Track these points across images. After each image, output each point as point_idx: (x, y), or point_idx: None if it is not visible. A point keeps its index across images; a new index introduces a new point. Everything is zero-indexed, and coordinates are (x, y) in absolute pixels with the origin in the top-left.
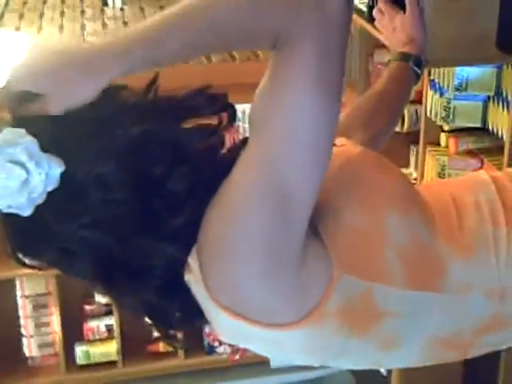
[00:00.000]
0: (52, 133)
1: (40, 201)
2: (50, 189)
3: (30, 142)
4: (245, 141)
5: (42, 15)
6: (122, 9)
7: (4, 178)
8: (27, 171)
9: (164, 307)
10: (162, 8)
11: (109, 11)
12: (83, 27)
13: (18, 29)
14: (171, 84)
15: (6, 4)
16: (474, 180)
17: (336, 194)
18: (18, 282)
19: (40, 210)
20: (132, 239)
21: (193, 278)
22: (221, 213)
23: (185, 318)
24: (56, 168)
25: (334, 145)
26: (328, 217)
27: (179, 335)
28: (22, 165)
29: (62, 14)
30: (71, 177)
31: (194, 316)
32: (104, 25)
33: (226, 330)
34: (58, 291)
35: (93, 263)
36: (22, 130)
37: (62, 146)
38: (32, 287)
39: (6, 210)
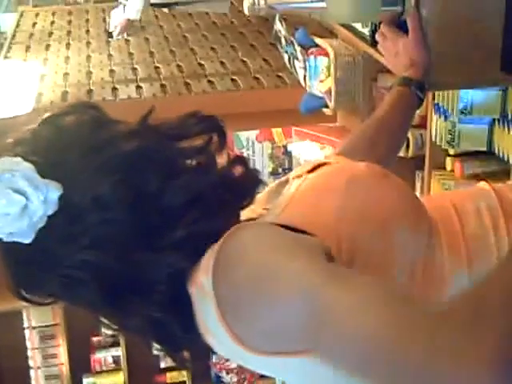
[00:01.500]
0: (48, 158)
1: (40, 225)
2: (49, 212)
3: (28, 168)
4: (236, 158)
5: (48, 47)
6: (127, 40)
7: (4, 205)
8: (26, 197)
9: (169, 324)
10: (166, 38)
11: (114, 42)
12: (89, 59)
13: (24, 61)
14: (175, 111)
15: (13, 36)
16: (474, 189)
17: (348, 212)
18: (25, 314)
19: (41, 236)
20: (133, 255)
21: (199, 293)
22: (254, 279)
23: (189, 335)
24: (54, 192)
25: (329, 163)
26: (343, 241)
27: (186, 357)
28: (21, 191)
29: (68, 45)
30: (69, 200)
31: (198, 333)
32: (109, 56)
33: (227, 349)
34: (65, 322)
35: (96, 286)
36: (19, 158)
37: (59, 170)
38: (39, 318)
39: (7, 239)
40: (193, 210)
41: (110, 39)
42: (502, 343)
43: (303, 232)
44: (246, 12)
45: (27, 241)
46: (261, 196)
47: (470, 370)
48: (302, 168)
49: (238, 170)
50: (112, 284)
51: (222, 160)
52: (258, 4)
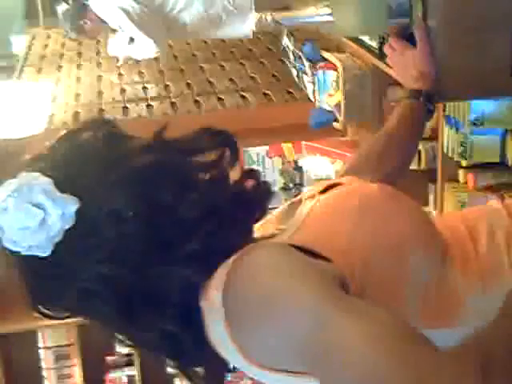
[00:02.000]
0: (65, 173)
1: (58, 239)
2: (67, 226)
3: (45, 182)
4: (249, 171)
5: (59, 68)
6: (137, 61)
7: (23, 219)
8: (45, 210)
9: (182, 338)
10: (175, 57)
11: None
12: (99, 79)
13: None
14: (185, 129)
15: (25, 59)
16: (485, 208)
17: (361, 234)
18: (40, 334)
19: (58, 249)
20: (147, 268)
21: (210, 308)
22: (264, 299)
23: (203, 350)
24: (71, 206)
25: (342, 183)
26: (357, 264)
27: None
28: (40, 205)
29: (79, 66)
30: (86, 213)
31: (212, 348)
32: (120, 75)
33: (239, 363)
34: (79, 342)
35: (111, 299)
36: (37, 173)
37: (76, 184)
38: (54, 338)
39: (26, 252)
40: (207, 223)
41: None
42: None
43: (316, 254)
44: (253, 28)
45: (45, 254)
46: (274, 216)
47: None
48: (315, 188)
49: (250, 183)
50: (127, 296)
51: (234, 174)
52: (266, 20)
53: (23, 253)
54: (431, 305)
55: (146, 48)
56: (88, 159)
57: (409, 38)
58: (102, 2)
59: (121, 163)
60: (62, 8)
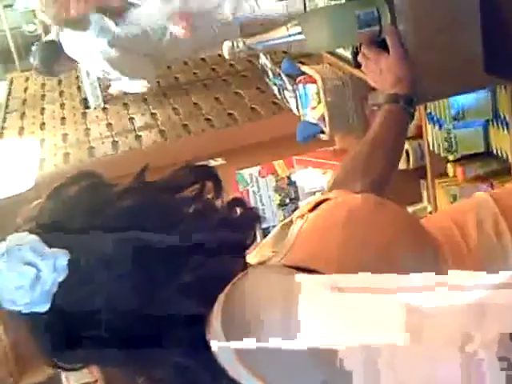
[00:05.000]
0: (52, 228)
1: (53, 292)
2: (60, 279)
3: (33, 240)
4: (233, 200)
5: (42, 110)
6: (104, 108)
7: (17, 278)
8: (36, 267)
9: (196, 371)
10: (158, 83)
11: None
12: (84, 116)
13: (21, 129)
14: (177, 155)
15: (7, 106)
16: (471, 201)
17: (350, 245)
18: (63, 377)
19: (56, 303)
20: (147, 307)
21: (216, 339)
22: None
23: (219, 382)
24: (62, 259)
25: (329, 198)
26: (349, 273)
27: None
28: (31, 262)
29: (62, 106)
30: (77, 263)
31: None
32: (105, 109)
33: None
34: (103, 378)
35: (117, 343)
36: (25, 232)
37: (63, 237)
38: (77, 377)
39: (25, 310)
40: (196, 255)
41: (86, 110)
42: None
43: (310, 271)
44: (227, 56)
45: (44, 309)
46: (268, 239)
47: None
48: (304, 208)
49: (237, 211)
50: (132, 338)
51: (221, 203)
52: (238, 46)
53: (24, 311)
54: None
55: (134, 84)
56: (73, 211)
57: (381, 45)
58: (77, 47)
59: (104, 209)
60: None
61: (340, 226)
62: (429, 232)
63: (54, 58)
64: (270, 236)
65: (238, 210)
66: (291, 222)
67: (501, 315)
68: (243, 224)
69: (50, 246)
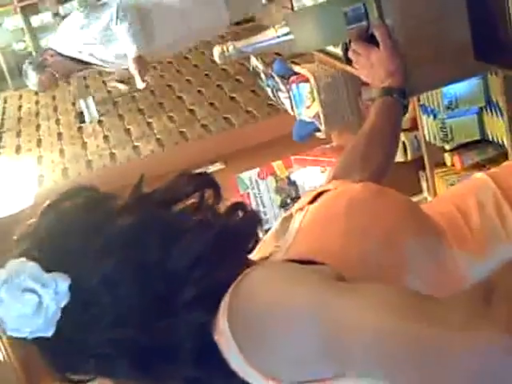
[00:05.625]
0: (50, 250)
1: (57, 317)
2: (63, 304)
3: (33, 267)
4: (234, 205)
5: (38, 127)
6: (114, 102)
7: (19, 308)
8: (38, 295)
9: (207, 378)
10: (152, 92)
11: (103, 107)
12: (80, 130)
13: (18, 147)
14: (175, 162)
15: (2, 125)
16: (471, 182)
17: (352, 234)
18: None
19: (61, 326)
20: (152, 324)
21: (224, 340)
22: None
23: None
24: (63, 284)
25: (329, 190)
26: (354, 262)
27: None
28: (32, 290)
29: (58, 121)
30: (79, 287)
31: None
32: (100, 122)
33: None
34: None
35: (126, 359)
36: (23, 258)
37: (63, 260)
38: None
39: (30, 336)
40: (198, 267)
41: (82, 124)
42: None
43: (313, 263)
44: (218, 61)
45: (49, 334)
46: (270, 234)
47: (486, 337)
48: (304, 200)
49: (238, 215)
50: (140, 354)
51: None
52: (228, 51)
53: (29, 337)
54: (433, 284)
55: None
56: (70, 232)
57: (370, 40)
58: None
59: (102, 230)
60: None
61: (341, 216)
62: (431, 218)
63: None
64: (271, 230)
65: (239, 215)
66: (291, 215)
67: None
68: (245, 228)
69: (50, 270)
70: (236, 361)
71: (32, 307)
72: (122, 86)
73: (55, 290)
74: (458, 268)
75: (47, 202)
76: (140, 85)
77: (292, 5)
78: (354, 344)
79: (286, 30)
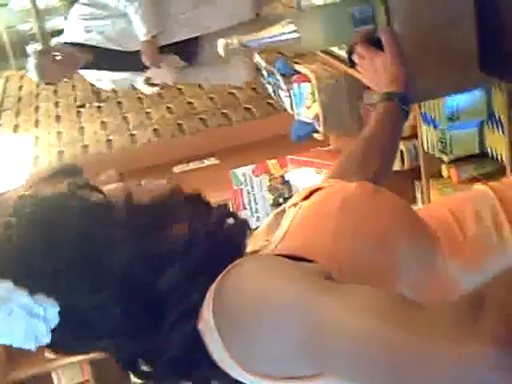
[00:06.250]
0: (39, 276)
1: (48, 339)
2: (52, 327)
3: (20, 294)
4: (222, 215)
5: (37, 109)
6: (114, 90)
7: (10, 330)
8: (26, 321)
9: (192, 365)
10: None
11: (102, 93)
12: (79, 114)
13: (16, 127)
14: (171, 154)
15: (1, 103)
16: (470, 192)
17: (344, 233)
18: (54, 376)
19: (51, 342)
20: (143, 337)
21: (207, 329)
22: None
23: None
24: (51, 309)
25: (324, 187)
26: (343, 262)
27: None
28: (20, 317)
29: (57, 104)
30: (68, 311)
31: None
32: (99, 108)
33: (242, 377)
34: (94, 378)
35: (121, 358)
36: (10, 284)
37: (51, 284)
38: (69, 377)
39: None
40: (191, 281)
41: (81, 109)
42: (503, 320)
43: (302, 259)
44: (221, 53)
45: (44, 342)
46: (262, 228)
47: (472, 349)
48: (298, 196)
49: (227, 224)
50: (135, 357)
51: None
52: (232, 44)
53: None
54: (423, 290)
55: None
56: (61, 256)
57: (376, 44)
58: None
59: (95, 260)
60: (31, 48)
61: (334, 214)
62: (425, 223)
63: (47, 67)
64: (263, 225)
65: (229, 222)
66: (284, 210)
67: None
68: (235, 236)
69: (38, 291)
70: (217, 351)
71: (21, 333)
72: (149, 90)
73: (44, 316)
74: (449, 277)
75: (23, 192)
76: (147, 90)
77: (299, 3)
78: (334, 344)
79: (292, 27)
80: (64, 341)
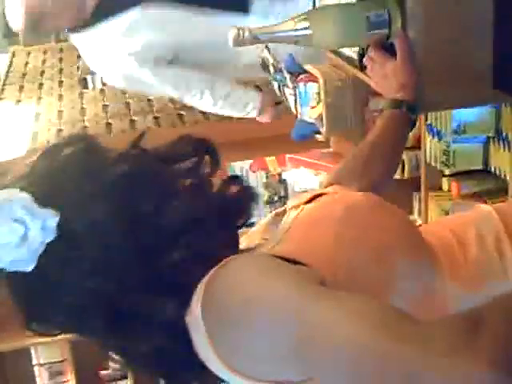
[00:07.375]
0: (45, 188)
1: (40, 252)
2: (48, 239)
3: (24, 198)
4: (232, 177)
5: (40, 86)
6: (102, 89)
7: (5, 235)
8: (25, 225)
9: (173, 354)
10: None
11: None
12: (81, 95)
13: (18, 101)
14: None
15: (6, 77)
16: (473, 213)
17: (343, 241)
18: (33, 352)
19: (42, 263)
20: (132, 280)
21: (194, 323)
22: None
23: (194, 367)
24: (52, 219)
25: (327, 193)
26: (340, 270)
27: None
28: (20, 220)
29: (61, 83)
30: (67, 226)
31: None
32: (102, 91)
33: (226, 376)
34: (73, 357)
35: (99, 313)
36: (16, 189)
37: (55, 198)
38: (47, 355)
39: (9, 268)
40: (190, 230)
41: (84, 90)
42: (500, 343)
43: (298, 263)
44: (231, 44)
45: (29, 268)
46: (259, 227)
47: (467, 369)
48: (300, 199)
49: (234, 188)
50: (114, 310)
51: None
52: (243, 36)
53: (8, 269)
54: (418, 308)
55: None
56: (66, 173)
57: (388, 49)
58: None
59: (98, 175)
60: None
61: (335, 221)
62: (427, 241)
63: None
64: (261, 223)
65: (235, 188)
66: (284, 211)
67: None
68: (239, 202)
69: (41, 205)
70: (201, 344)
71: (17, 237)
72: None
73: (43, 225)
74: (446, 298)
75: (47, 146)
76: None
77: (314, 2)
78: (323, 352)
79: (305, 24)
80: (52, 268)
